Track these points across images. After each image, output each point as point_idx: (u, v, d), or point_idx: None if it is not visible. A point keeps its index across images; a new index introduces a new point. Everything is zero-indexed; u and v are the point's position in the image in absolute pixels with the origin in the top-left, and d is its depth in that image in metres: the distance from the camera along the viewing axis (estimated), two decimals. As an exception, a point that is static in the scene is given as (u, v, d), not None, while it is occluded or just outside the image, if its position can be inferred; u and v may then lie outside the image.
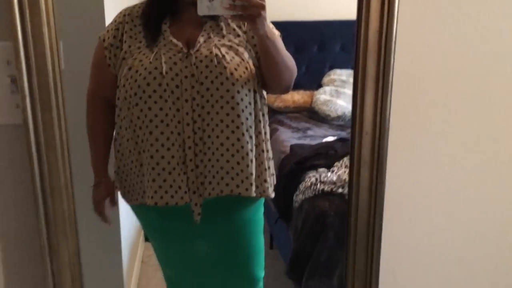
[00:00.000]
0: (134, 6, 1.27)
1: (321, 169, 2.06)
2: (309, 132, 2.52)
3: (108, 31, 1.25)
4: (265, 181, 1.27)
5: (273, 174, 1.35)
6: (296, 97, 2.87)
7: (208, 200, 1.23)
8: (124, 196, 1.34)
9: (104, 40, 1.24)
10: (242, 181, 1.22)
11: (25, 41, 0.79)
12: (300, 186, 2.06)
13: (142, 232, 2.27)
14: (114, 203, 1.36)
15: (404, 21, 0.86)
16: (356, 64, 0.85)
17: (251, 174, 1.22)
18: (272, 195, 1.32)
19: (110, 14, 1.26)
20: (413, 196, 1.02)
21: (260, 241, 1.44)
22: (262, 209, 1.42)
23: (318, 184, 2.00)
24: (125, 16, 1.25)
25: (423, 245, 1.08)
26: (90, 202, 1.34)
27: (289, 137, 2.42)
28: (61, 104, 0.81)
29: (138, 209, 1.33)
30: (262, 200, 1.38)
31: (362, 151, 0.85)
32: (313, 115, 2.74)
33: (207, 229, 1.31)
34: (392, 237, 0.98)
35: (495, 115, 1.04)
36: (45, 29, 0.80)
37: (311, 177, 2.03)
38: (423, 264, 1.11)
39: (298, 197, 2.06)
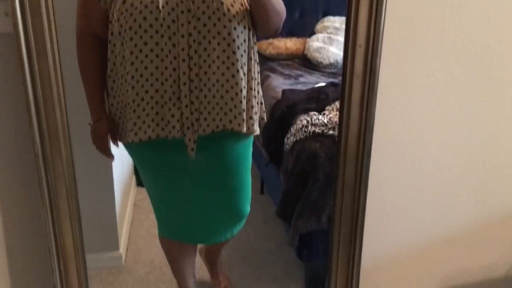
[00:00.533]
0: None
1: (312, 113, 2.08)
2: (301, 79, 2.53)
3: None
4: (251, 118, 1.31)
5: (257, 113, 1.38)
6: (289, 44, 2.85)
7: (201, 135, 1.25)
8: (117, 134, 1.35)
9: None
10: (235, 117, 1.26)
11: None
12: (291, 129, 2.09)
13: (134, 177, 2.30)
14: (115, 138, 1.36)
15: None
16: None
17: (243, 110, 1.26)
18: (258, 131, 1.37)
19: None
20: (404, 110, 1.04)
21: (248, 177, 1.49)
22: (251, 148, 1.47)
23: (309, 126, 2.02)
24: None
25: (411, 161, 1.11)
26: (84, 132, 1.34)
27: (281, 84, 2.42)
28: (51, 9, 0.81)
29: (132, 146, 1.34)
30: (252, 138, 1.41)
31: (355, 63, 0.86)
32: (305, 62, 2.74)
33: (199, 164, 1.33)
34: (381, 153, 1.01)
35: (490, 31, 1.05)
36: None
37: (302, 120, 2.05)
38: (409, 180, 1.15)
39: (289, 140, 2.08)
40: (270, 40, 2.57)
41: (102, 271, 1.87)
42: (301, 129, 2.00)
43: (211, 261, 1.81)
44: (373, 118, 0.90)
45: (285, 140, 2.06)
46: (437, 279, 1.22)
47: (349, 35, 0.87)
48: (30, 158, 0.88)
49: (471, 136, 1.15)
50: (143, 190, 2.30)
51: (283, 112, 2.13)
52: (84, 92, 1.31)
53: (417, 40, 0.98)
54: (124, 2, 1.17)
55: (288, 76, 2.57)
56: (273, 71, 2.61)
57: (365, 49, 0.84)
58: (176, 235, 1.53)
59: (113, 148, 1.39)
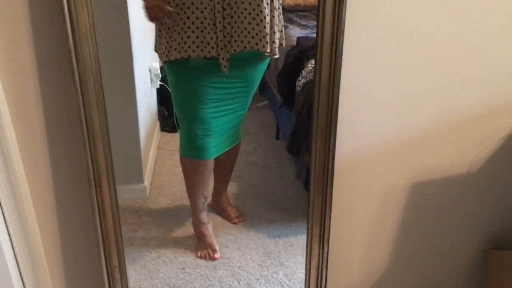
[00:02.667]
0: None
1: (324, 56, 2.25)
2: (317, 30, 2.69)
3: None
4: (274, 42, 1.63)
5: (278, 38, 1.71)
6: (306, -4, 2.98)
7: (232, 54, 1.58)
8: (161, 56, 1.66)
9: None
10: (260, 40, 1.57)
11: None
12: (303, 71, 2.27)
13: (158, 123, 2.51)
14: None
15: None
16: None
17: (267, 34, 1.57)
18: (278, 55, 1.72)
19: None
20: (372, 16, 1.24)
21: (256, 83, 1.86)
22: (266, 66, 1.83)
23: (319, 67, 2.18)
24: None
25: (380, 66, 1.30)
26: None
27: (297, 33, 2.59)
28: None
29: (173, 62, 1.64)
30: (266, 64, 1.79)
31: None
32: (322, 13, 2.85)
33: (226, 79, 1.66)
34: (352, 55, 1.20)
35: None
36: None
37: (313, 63, 2.23)
38: (379, 85, 1.34)
39: (300, 82, 2.27)
40: (289, -7, 2.72)
41: (128, 201, 2.12)
42: (311, 71, 2.18)
43: (220, 190, 2.07)
44: (343, 21, 1.10)
45: (297, 82, 2.25)
46: (406, 175, 1.42)
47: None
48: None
49: (435, 45, 1.31)
50: (166, 135, 2.55)
51: (296, 56, 2.32)
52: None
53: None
54: None
55: (305, 27, 2.73)
56: (291, 22, 2.78)
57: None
58: (191, 153, 1.80)
59: (138, 91, 1.69)
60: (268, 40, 1.59)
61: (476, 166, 1.44)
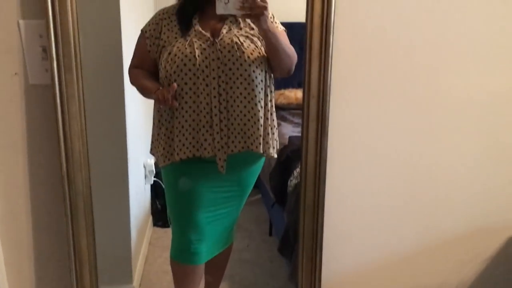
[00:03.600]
0: (170, 7, 1.69)
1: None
2: (309, 127, 2.77)
3: (149, 25, 1.66)
4: (267, 142, 1.68)
5: (277, 140, 1.80)
6: (299, 94, 3.08)
7: (229, 155, 1.62)
8: (158, 160, 1.71)
9: (145, 32, 1.65)
10: (254, 141, 1.62)
11: (54, 20, 1.13)
12: (294, 172, 2.32)
13: (151, 218, 2.52)
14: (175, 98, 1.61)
15: (341, 6, 1.16)
16: (305, 41, 1.15)
17: (260, 135, 1.63)
18: (275, 155, 1.77)
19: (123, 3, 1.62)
20: (352, 145, 1.31)
21: (242, 205, 1.86)
22: (260, 168, 1.86)
23: (310, 169, 2.23)
24: (163, 14, 1.66)
25: (362, 189, 1.36)
26: (104, 175, 1.60)
27: (289, 131, 2.67)
28: (80, 67, 1.14)
29: (169, 167, 1.69)
30: (263, 160, 1.81)
31: (309, 110, 1.15)
32: (314, 111, 2.94)
33: (225, 179, 1.68)
34: (335, 179, 1.26)
35: (419, 81, 1.31)
36: (69, 10, 1.12)
37: (305, 163, 2.28)
38: (363, 206, 1.39)
39: (292, 182, 2.31)
40: (282, 91, 2.82)
41: (116, 303, 2.09)
42: (302, 172, 2.23)
43: None
44: (326, 151, 1.17)
45: (289, 182, 2.29)
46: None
47: (305, 88, 1.16)
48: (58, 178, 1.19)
49: (416, 170, 1.38)
50: (159, 230, 2.54)
51: (288, 156, 2.38)
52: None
53: (360, 89, 1.27)
54: (169, 53, 1.58)
55: (297, 124, 2.80)
56: (284, 119, 2.87)
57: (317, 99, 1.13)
58: (182, 258, 1.81)
59: (132, 186, 1.74)
60: (261, 141, 1.64)
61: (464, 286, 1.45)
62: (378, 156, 1.34)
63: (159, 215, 2.41)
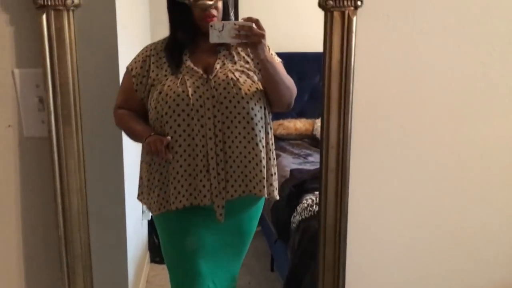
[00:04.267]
0: (157, 42, 1.57)
1: (317, 192, 2.23)
2: (310, 158, 2.71)
3: (135, 62, 1.54)
4: (271, 184, 1.56)
5: (276, 180, 1.63)
6: (298, 125, 3.06)
7: (228, 201, 1.50)
8: (150, 208, 1.59)
9: (131, 70, 1.53)
10: (257, 184, 1.50)
11: (52, 68, 1.04)
12: (298, 207, 2.25)
13: (148, 254, 2.44)
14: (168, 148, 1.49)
15: (361, 52, 1.08)
16: (322, 88, 1.07)
17: (264, 177, 1.51)
18: (278, 197, 1.64)
19: (122, 51, 1.51)
20: (374, 198, 1.23)
21: (246, 249, 1.72)
22: (261, 210, 1.72)
23: (314, 206, 2.17)
24: (151, 50, 1.54)
25: (384, 245, 1.28)
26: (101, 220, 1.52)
27: (290, 163, 2.61)
28: (79, 119, 1.05)
29: (162, 217, 1.57)
30: (263, 201, 1.67)
31: (329, 161, 1.06)
32: (314, 142, 2.92)
33: (223, 228, 1.56)
34: (357, 237, 1.18)
35: (441, 128, 1.25)
36: (68, 59, 1.04)
37: (308, 199, 2.21)
38: (385, 265, 1.31)
39: (296, 218, 2.24)
40: (281, 121, 2.78)
41: None
42: (306, 208, 2.16)
43: None
44: (346, 205, 1.08)
45: (292, 218, 2.22)
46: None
47: (323, 137, 1.08)
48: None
49: (436, 221, 1.31)
50: (156, 267, 2.46)
51: (290, 191, 2.30)
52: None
53: (381, 139, 1.19)
54: (160, 93, 1.45)
55: (298, 155, 2.76)
56: (283, 150, 2.81)
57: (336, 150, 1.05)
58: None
59: (129, 224, 1.61)
60: (264, 184, 1.52)
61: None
62: (402, 209, 1.25)
63: (156, 250, 2.32)
